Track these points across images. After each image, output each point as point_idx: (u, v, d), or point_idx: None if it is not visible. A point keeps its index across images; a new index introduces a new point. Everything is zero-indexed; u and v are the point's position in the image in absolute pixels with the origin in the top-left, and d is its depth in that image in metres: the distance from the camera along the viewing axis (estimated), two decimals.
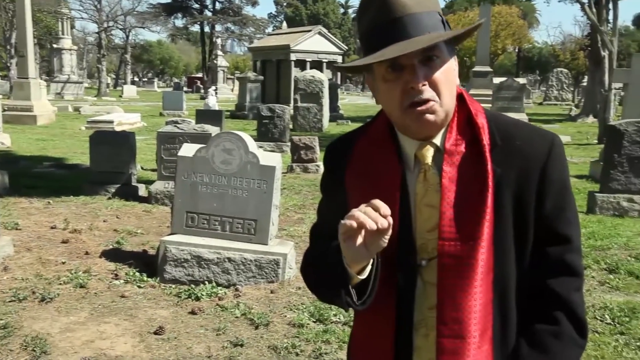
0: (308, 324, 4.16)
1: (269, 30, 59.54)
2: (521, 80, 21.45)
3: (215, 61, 41.05)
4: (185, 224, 5.11)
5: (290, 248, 5.20)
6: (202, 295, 4.65)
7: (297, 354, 3.75)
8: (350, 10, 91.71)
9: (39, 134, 16.67)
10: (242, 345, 3.83)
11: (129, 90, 42.09)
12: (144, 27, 55.85)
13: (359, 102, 40.34)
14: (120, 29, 55.49)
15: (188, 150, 5.19)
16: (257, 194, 5.02)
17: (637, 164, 7.48)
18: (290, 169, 10.72)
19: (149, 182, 8.72)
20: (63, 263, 5.24)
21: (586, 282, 5.05)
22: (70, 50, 36.96)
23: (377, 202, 1.14)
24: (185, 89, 47.18)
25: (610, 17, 18.54)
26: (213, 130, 8.05)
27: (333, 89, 22.25)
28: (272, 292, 4.76)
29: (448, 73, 1.24)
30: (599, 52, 18.13)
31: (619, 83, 15.13)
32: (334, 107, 22.05)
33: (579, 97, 35.34)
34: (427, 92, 1.21)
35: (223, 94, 37.28)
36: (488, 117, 1.32)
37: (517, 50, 61.71)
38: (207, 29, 57.42)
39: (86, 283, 4.78)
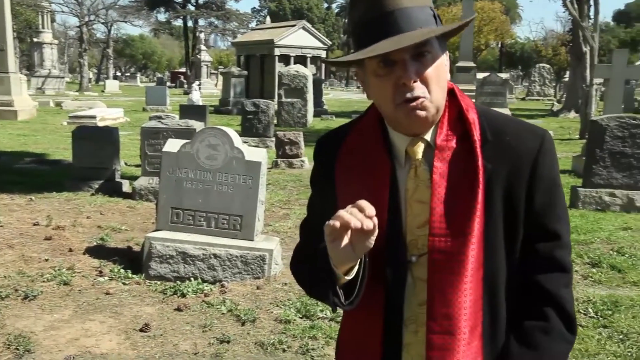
0: (295, 320, 4.16)
1: (253, 24, 59.35)
2: (504, 76, 21.61)
3: (198, 56, 40.83)
4: (170, 220, 5.08)
5: (276, 244, 5.19)
6: (188, 291, 4.63)
7: (284, 350, 3.75)
8: (333, 5, 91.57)
9: (19, 129, 16.46)
10: (228, 342, 3.82)
11: (112, 85, 41.69)
12: (126, 21, 55.43)
13: (343, 97, 40.35)
14: (102, 23, 54.93)
15: (173, 145, 5.16)
16: (243, 190, 5.00)
17: (618, 159, 7.56)
18: (275, 165, 10.70)
19: (132, 178, 8.65)
20: (46, 260, 5.18)
21: None
22: (51, 44, 36.49)
23: (363, 203, 1.14)
24: (168, 84, 46.82)
25: (592, 13, 18.70)
26: (197, 125, 8.01)
27: (317, 84, 22.23)
28: (258, 288, 4.75)
29: (439, 69, 1.23)
30: (580, 48, 18.30)
31: (600, 78, 15.27)
32: (318, 102, 22.02)
33: (561, 93, 35.64)
34: (419, 88, 1.21)
35: (207, 89, 37.09)
36: (479, 113, 1.31)
37: (499, 45, 62.11)
38: (190, 23, 57.12)
39: (70, 280, 4.74)
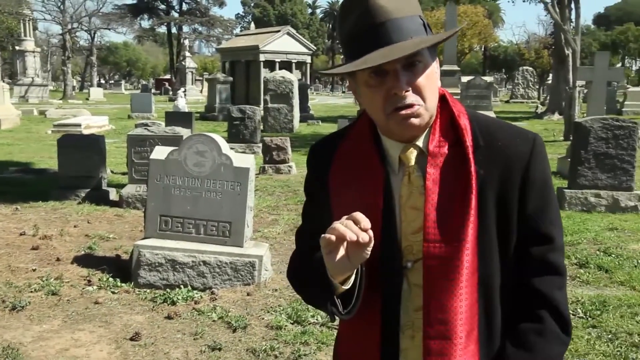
0: (286, 325, 4.15)
1: (237, 31, 59.29)
2: (488, 79, 21.75)
3: (183, 62, 40.71)
4: (158, 227, 5.05)
5: (266, 250, 5.18)
6: (178, 299, 4.60)
7: (275, 357, 3.74)
8: (318, 11, 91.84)
9: (3, 138, 16.30)
10: (220, 349, 3.80)
11: (96, 93, 41.45)
12: (109, 29, 55.04)
13: (328, 102, 40.43)
14: (85, 31, 54.62)
15: (160, 153, 5.14)
16: (231, 196, 4.99)
17: (602, 160, 7.65)
18: (263, 170, 10.68)
19: (119, 186, 8.60)
20: (34, 270, 5.13)
21: None
22: (33, 52, 36.19)
23: (358, 216, 1.15)
24: (153, 91, 46.62)
25: (573, 16, 18.91)
26: (184, 132, 7.98)
27: (303, 89, 22.25)
28: (248, 294, 4.74)
29: (430, 76, 1.24)
30: (562, 51, 18.47)
31: (583, 81, 15.44)
32: (304, 108, 22.05)
33: (545, 95, 35.96)
34: (410, 97, 1.21)
35: (192, 96, 36.98)
36: (470, 118, 1.32)
37: (483, 49, 62.58)
38: (174, 30, 56.87)
39: (58, 290, 4.69)
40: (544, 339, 1.29)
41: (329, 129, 17.14)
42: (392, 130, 1.28)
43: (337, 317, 1.29)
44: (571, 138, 9.54)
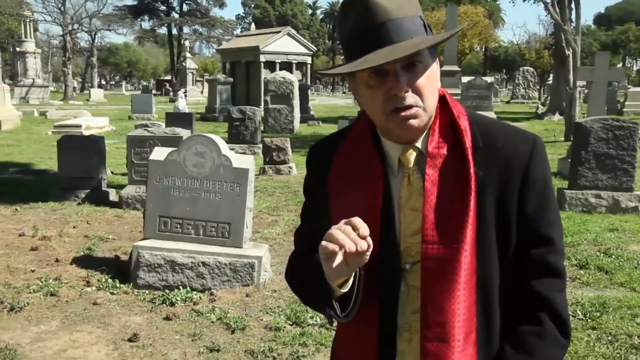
0: (285, 327, 4.14)
1: (237, 31, 59.34)
2: (489, 79, 21.74)
3: (183, 63, 40.72)
4: (158, 228, 5.04)
5: (265, 251, 5.17)
6: (177, 300, 4.60)
7: (274, 358, 3.73)
8: (318, 11, 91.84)
9: (4, 139, 16.31)
10: (218, 351, 3.79)
11: (97, 94, 41.46)
12: (110, 30, 55.13)
13: (329, 102, 40.43)
14: (86, 32, 54.63)
15: (159, 153, 5.13)
16: (231, 197, 4.98)
17: (603, 161, 7.63)
18: (263, 171, 10.68)
19: (119, 187, 8.59)
20: (32, 271, 5.13)
21: None
22: (34, 53, 36.15)
23: (357, 222, 1.14)
24: (154, 91, 46.63)
25: (573, 16, 18.89)
26: (184, 133, 7.97)
27: (303, 90, 22.24)
28: (247, 295, 4.73)
29: (430, 77, 1.24)
30: (563, 51, 18.45)
31: (584, 81, 15.42)
32: (304, 108, 22.05)
33: (545, 95, 35.95)
34: (410, 98, 1.21)
35: (192, 97, 36.98)
36: (470, 119, 1.32)
37: (483, 49, 62.57)
38: (174, 31, 56.97)
39: (57, 291, 4.69)
40: (544, 342, 1.28)
41: (330, 129, 17.13)
42: (391, 131, 1.27)
43: (335, 320, 1.28)
44: (572, 139, 9.52)
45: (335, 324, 1.37)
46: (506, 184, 1.27)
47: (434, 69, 1.25)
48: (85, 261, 5.41)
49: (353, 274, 1.22)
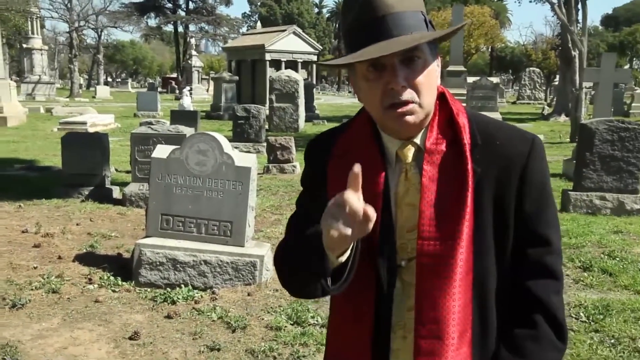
0: (286, 326, 4.13)
1: (243, 30, 59.36)
2: (494, 80, 21.66)
3: (189, 61, 40.77)
4: (160, 226, 5.04)
5: (267, 250, 5.16)
6: (178, 298, 4.59)
7: (274, 358, 3.72)
8: (324, 10, 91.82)
9: (9, 135, 16.36)
10: (218, 350, 3.78)
11: (102, 91, 41.54)
12: (116, 27, 55.16)
13: (334, 101, 40.42)
14: (92, 29, 54.75)
15: (162, 151, 5.12)
16: (233, 196, 4.97)
17: (608, 162, 7.59)
18: (267, 170, 10.67)
19: (123, 184, 8.60)
20: (35, 268, 5.13)
21: None
22: (40, 50, 36.35)
23: (360, 192, 1.10)
24: (159, 89, 46.71)
25: (580, 17, 18.82)
26: (187, 131, 7.97)
27: (309, 88, 22.24)
28: (249, 294, 4.72)
29: (429, 74, 1.23)
30: (569, 52, 18.38)
31: (590, 82, 15.37)
32: (310, 107, 22.03)
33: (551, 96, 35.83)
34: (407, 93, 1.20)
35: (198, 95, 37.03)
36: (469, 117, 1.31)
37: (490, 49, 62.40)
38: (180, 28, 57.05)
39: (59, 288, 4.69)
40: (539, 345, 1.27)
41: None
42: (387, 126, 1.27)
43: (325, 292, 1.23)
44: (577, 140, 9.48)
45: (325, 328, 1.35)
46: (504, 182, 1.26)
47: (434, 67, 1.25)
48: (87, 258, 5.41)
49: (351, 245, 1.18)
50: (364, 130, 1.34)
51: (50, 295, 4.60)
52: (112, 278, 4.96)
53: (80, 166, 8.03)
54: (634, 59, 67.69)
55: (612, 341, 3.97)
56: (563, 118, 23.35)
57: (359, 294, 1.27)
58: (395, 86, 1.18)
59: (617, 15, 73.46)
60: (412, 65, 1.19)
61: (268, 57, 27.35)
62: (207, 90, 40.29)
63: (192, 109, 18.92)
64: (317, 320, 4.20)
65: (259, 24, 39.96)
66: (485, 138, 1.28)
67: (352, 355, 1.31)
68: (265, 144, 12.40)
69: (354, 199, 1.08)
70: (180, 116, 14.84)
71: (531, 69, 40.79)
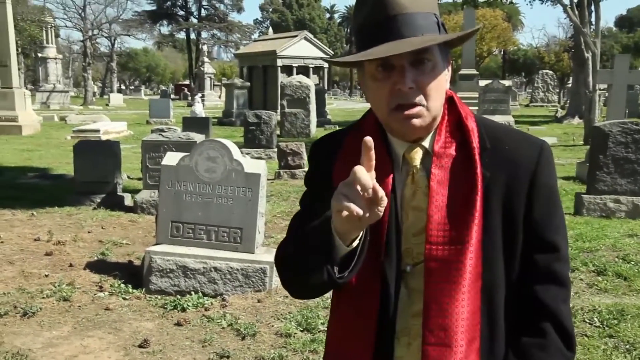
0: (295, 333, 4.11)
1: (255, 36, 59.57)
2: (506, 82, 21.54)
3: (202, 68, 40.97)
4: (170, 233, 5.05)
5: None
6: (188, 306, 4.59)
7: None
8: (336, 16, 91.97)
9: (24, 144, 16.52)
10: (228, 357, 3.77)
11: (116, 99, 41.86)
12: (129, 35, 55.66)
13: (346, 106, 40.41)
14: (106, 37, 55.22)
15: (172, 159, 5.14)
16: (242, 202, 4.97)
17: (622, 165, 7.50)
18: (278, 176, 10.67)
19: (135, 192, 8.63)
20: (46, 276, 5.16)
21: (575, 285, 5.04)
22: (55, 59, 36.73)
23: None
24: (172, 96, 46.98)
25: (593, 18, 18.67)
26: (198, 137, 7.98)
27: (320, 94, 22.25)
28: (259, 301, 4.71)
29: (439, 77, 1.21)
30: (582, 54, 18.26)
31: (604, 84, 15.24)
32: (321, 112, 22.05)
33: (565, 99, 35.59)
34: (415, 95, 1.18)
35: (210, 101, 37.19)
36: (477, 121, 1.30)
37: (502, 52, 62.09)
38: (193, 35, 57.43)
39: (70, 296, 4.70)
40: (547, 354, 1.25)
41: None
42: (393, 129, 1.26)
43: (331, 281, 1.19)
44: (590, 142, 9.38)
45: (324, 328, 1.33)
46: (513, 186, 1.25)
47: (444, 70, 1.23)
48: (98, 266, 5.43)
49: (361, 232, 1.15)
50: (371, 132, 1.31)
51: (61, 303, 4.61)
52: (122, 285, 4.97)
53: (92, 174, 8.07)
54: None
55: (627, 346, 3.90)
56: (577, 120, 23.17)
57: (362, 298, 1.25)
58: (402, 87, 1.17)
59: (631, 16, 72.81)
60: (421, 68, 1.18)
61: (279, 62, 27.44)
62: (220, 97, 40.46)
63: (203, 115, 18.99)
64: (327, 327, 4.16)
65: (270, 30, 40.16)
66: (494, 142, 1.27)
67: None
68: (276, 150, 12.42)
69: (364, 173, 1.06)
70: (192, 123, 14.89)
71: (544, 71, 40.55)
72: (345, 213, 1.06)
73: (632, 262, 5.62)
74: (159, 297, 4.78)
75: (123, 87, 73.45)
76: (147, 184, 7.96)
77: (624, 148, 7.47)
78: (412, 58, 1.17)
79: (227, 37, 59.27)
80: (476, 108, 18.52)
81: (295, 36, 29.63)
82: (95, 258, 5.69)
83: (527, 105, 38.19)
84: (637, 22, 68.69)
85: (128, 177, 10.45)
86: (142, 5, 62.74)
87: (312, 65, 29.07)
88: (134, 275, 5.17)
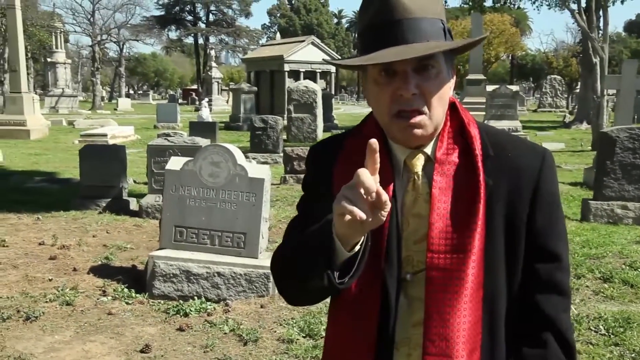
0: (298, 339, 4.08)
1: (263, 41, 59.74)
2: (514, 88, 21.45)
3: (209, 73, 41.08)
4: (173, 238, 5.04)
5: None
6: (191, 311, 4.57)
7: None
8: (343, 21, 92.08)
9: (32, 148, 16.60)
10: None
11: (124, 103, 42.05)
12: (137, 40, 56.05)
13: (354, 111, 40.41)
14: (114, 42, 55.59)
15: (175, 163, 5.14)
16: (246, 207, 4.96)
17: (629, 171, 7.45)
18: (284, 180, 10.67)
19: (141, 196, 8.64)
20: (50, 280, 5.16)
21: (580, 292, 5.00)
22: (64, 63, 36.99)
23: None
24: (180, 100, 47.15)
25: (601, 23, 18.59)
26: (203, 142, 7.99)
27: (327, 98, 22.24)
28: (262, 306, 4.69)
29: (442, 84, 1.19)
30: (590, 59, 18.18)
31: (612, 89, 15.15)
32: (328, 117, 22.03)
33: (573, 104, 35.45)
34: (417, 102, 1.17)
35: (218, 106, 37.28)
36: (479, 128, 1.28)
37: (510, 57, 61.95)
38: (201, 40, 57.67)
39: (73, 300, 4.70)
40: None
41: None
42: (394, 136, 1.24)
43: (331, 287, 1.15)
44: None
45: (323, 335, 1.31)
46: (516, 194, 1.23)
47: (448, 78, 1.21)
48: (102, 270, 5.43)
49: (362, 238, 1.12)
50: (371, 136, 1.29)
51: (64, 307, 4.61)
52: (126, 290, 4.96)
53: (98, 178, 8.09)
54: None
55: (633, 355, 3.86)
56: (585, 126, 23.07)
57: (361, 307, 1.23)
58: (405, 93, 1.15)
59: None
60: (425, 74, 1.16)
61: (287, 67, 27.45)
62: (227, 102, 40.56)
63: (210, 120, 19.05)
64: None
65: (278, 35, 40.24)
66: (496, 149, 1.25)
67: None
68: (282, 154, 12.41)
69: (368, 175, 1.03)
70: (199, 127, 14.93)
71: (552, 76, 40.43)
72: (348, 217, 1.04)
73: (639, 270, 5.56)
74: (162, 302, 4.77)
75: (131, 91, 73.82)
76: (152, 188, 7.97)
77: (632, 154, 7.42)
78: (416, 64, 1.15)
79: (234, 42, 59.49)
80: (483, 113, 18.44)
81: (303, 41, 29.64)
82: (99, 262, 5.69)
83: (535, 111, 38.06)
84: None
85: (134, 181, 10.47)
86: (150, 11, 63.36)
87: (320, 70, 29.07)
88: (137, 279, 5.17)
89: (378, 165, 1.06)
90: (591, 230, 6.97)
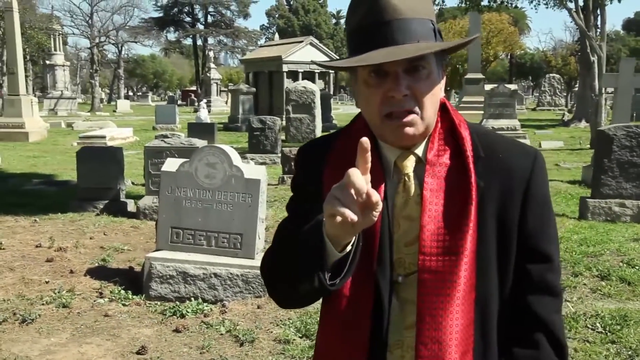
0: (294, 339, 4.08)
1: (262, 42, 59.74)
2: (512, 86, 21.43)
3: (208, 74, 41.07)
4: (170, 239, 5.04)
5: None
6: (188, 312, 4.57)
7: None
8: (342, 21, 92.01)
9: (30, 150, 16.59)
10: None
11: (123, 105, 42.03)
12: (136, 42, 56.09)
13: (353, 111, 40.36)
14: (113, 44, 55.60)
15: (171, 165, 5.13)
16: (242, 208, 4.95)
17: (627, 169, 7.44)
18: (282, 181, 10.66)
19: (138, 197, 8.63)
20: (46, 282, 5.15)
21: (578, 290, 5.00)
22: (63, 66, 36.98)
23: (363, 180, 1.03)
24: (179, 102, 47.15)
25: (598, 22, 18.58)
26: (200, 143, 7.98)
27: (326, 99, 22.26)
28: (259, 307, 4.68)
29: (433, 85, 1.18)
30: (588, 57, 18.17)
31: (610, 87, 15.14)
32: (326, 118, 22.03)
33: (572, 102, 35.46)
34: (408, 103, 1.16)
35: (217, 107, 37.27)
36: (470, 129, 1.27)
37: (509, 56, 61.94)
38: (199, 42, 57.66)
39: (69, 302, 4.69)
40: None
41: None
42: (385, 137, 1.22)
43: (322, 289, 1.14)
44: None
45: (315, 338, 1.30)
46: (507, 195, 1.22)
47: (439, 78, 1.21)
48: (99, 272, 5.43)
49: (354, 238, 1.10)
50: (361, 137, 1.29)
51: (60, 309, 4.60)
52: (122, 292, 4.96)
53: (95, 180, 8.08)
54: None
55: (630, 352, 3.85)
56: (583, 124, 23.07)
57: (353, 310, 1.22)
58: (396, 95, 1.14)
59: (638, 19, 72.48)
60: (416, 75, 1.15)
61: (285, 68, 27.45)
62: (226, 102, 40.55)
63: (208, 121, 19.04)
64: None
65: (276, 35, 40.23)
66: (487, 150, 1.24)
67: None
68: (280, 155, 12.40)
69: (359, 175, 1.01)
70: (198, 129, 14.93)
71: (551, 75, 40.45)
72: (338, 218, 1.02)
73: (637, 267, 5.56)
74: (159, 303, 4.77)
75: (130, 93, 73.83)
76: (149, 189, 7.96)
77: (629, 152, 7.41)
78: (407, 65, 1.14)
79: (233, 43, 59.46)
80: (482, 112, 18.43)
81: (301, 42, 29.65)
82: (96, 264, 5.68)
83: (534, 109, 38.07)
84: None
85: (132, 183, 10.47)
86: (149, 12, 63.33)
87: (318, 71, 29.06)
88: (134, 281, 5.16)
89: (369, 165, 1.04)
90: (589, 228, 6.97)
